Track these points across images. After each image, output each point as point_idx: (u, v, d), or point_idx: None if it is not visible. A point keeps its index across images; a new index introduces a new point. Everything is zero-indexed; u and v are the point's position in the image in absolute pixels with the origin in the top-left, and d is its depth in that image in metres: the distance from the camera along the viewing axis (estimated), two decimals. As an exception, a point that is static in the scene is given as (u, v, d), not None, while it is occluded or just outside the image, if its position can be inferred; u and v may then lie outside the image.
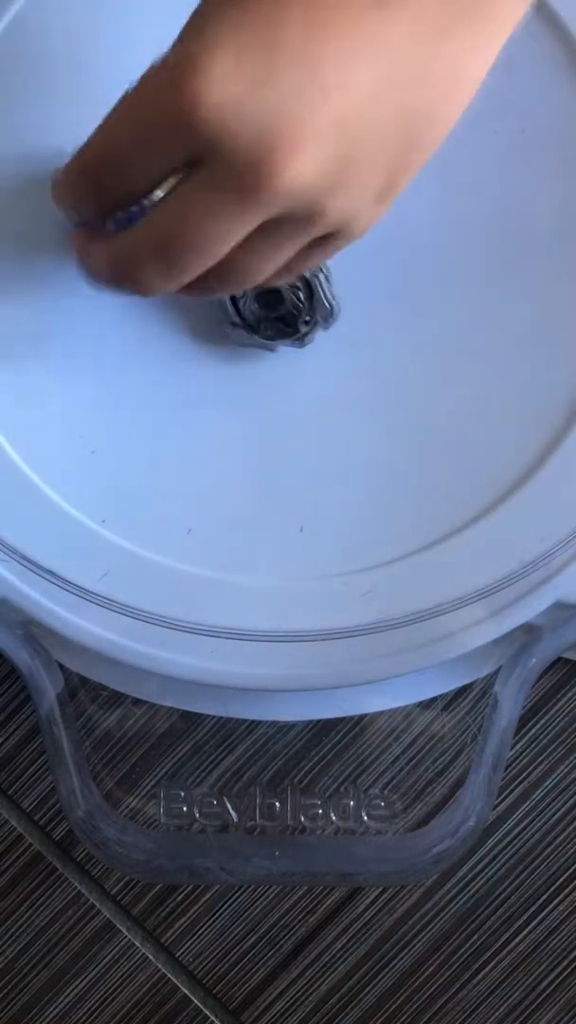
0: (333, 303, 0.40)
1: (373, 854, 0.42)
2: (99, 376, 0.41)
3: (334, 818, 0.43)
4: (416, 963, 0.47)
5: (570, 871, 0.46)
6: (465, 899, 0.46)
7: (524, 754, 0.46)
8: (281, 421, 0.41)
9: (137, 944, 0.47)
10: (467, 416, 0.41)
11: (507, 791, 0.46)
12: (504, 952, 0.47)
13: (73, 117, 0.40)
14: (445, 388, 0.41)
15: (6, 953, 0.47)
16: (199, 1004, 0.47)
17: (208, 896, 0.46)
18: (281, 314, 0.40)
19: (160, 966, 0.47)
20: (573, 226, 0.40)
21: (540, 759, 0.46)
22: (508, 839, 0.46)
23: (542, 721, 0.46)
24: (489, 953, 0.46)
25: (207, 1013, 0.47)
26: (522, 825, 0.46)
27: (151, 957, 0.47)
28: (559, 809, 0.46)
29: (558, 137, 0.40)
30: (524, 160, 0.40)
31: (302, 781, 0.45)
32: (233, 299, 0.40)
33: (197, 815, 0.43)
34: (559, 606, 0.40)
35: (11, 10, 0.41)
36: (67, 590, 0.40)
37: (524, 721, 0.46)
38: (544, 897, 0.46)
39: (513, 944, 0.46)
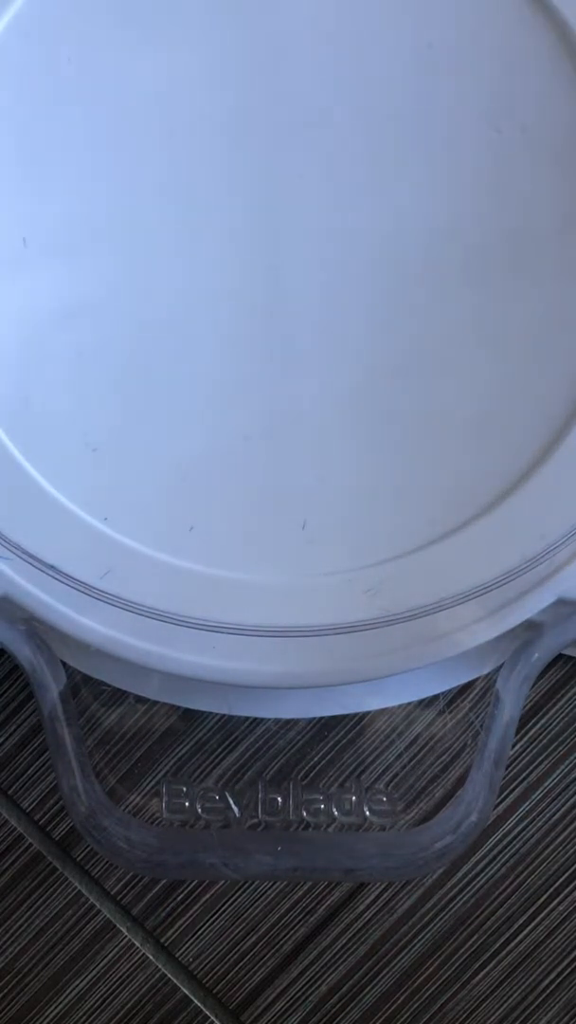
0: None
1: (375, 849, 0.42)
2: (102, 374, 0.41)
3: (336, 813, 0.43)
4: (416, 963, 0.47)
5: (570, 871, 0.46)
6: (465, 899, 0.46)
7: (524, 754, 0.46)
8: (283, 418, 0.41)
9: (137, 944, 0.47)
10: (469, 412, 0.41)
11: (507, 791, 0.46)
12: (504, 952, 0.46)
13: (74, 116, 0.41)
14: (446, 385, 0.41)
15: (6, 953, 0.47)
16: (199, 1004, 0.47)
17: (208, 896, 0.46)
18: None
19: (160, 966, 0.47)
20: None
21: (540, 759, 0.46)
22: (508, 839, 0.46)
23: (542, 721, 0.46)
24: (489, 953, 0.46)
25: (207, 1013, 0.47)
26: (522, 825, 0.46)
27: (151, 957, 0.47)
28: (559, 809, 0.46)
29: (560, 134, 0.40)
30: (526, 158, 0.40)
31: (304, 778, 0.45)
32: None
33: (199, 811, 0.43)
34: (561, 603, 0.40)
35: (11, 10, 0.41)
36: (70, 587, 0.40)
37: (524, 721, 0.46)
38: (544, 897, 0.46)
39: (513, 944, 0.46)
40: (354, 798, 0.44)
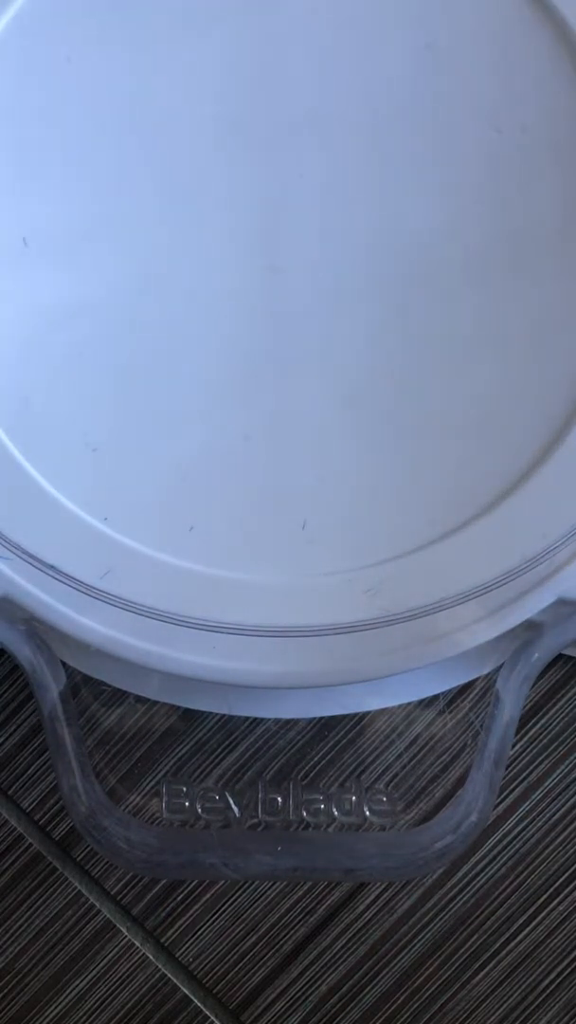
0: None
1: (375, 849, 0.42)
2: (102, 374, 0.41)
3: (336, 813, 0.43)
4: (416, 963, 0.47)
5: (570, 871, 0.46)
6: (465, 899, 0.46)
7: (524, 754, 0.46)
8: (283, 418, 0.41)
9: (137, 944, 0.47)
10: (470, 412, 0.41)
11: (507, 791, 0.46)
12: (504, 952, 0.47)
13: (75, 116, 0.41)
14: (447, 385, 0.41)
15: (6, 953, 0.47)
16: (199, 1004, 0.47)
17: (208, 896, 0.46)
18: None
19: (160, 966, 0.47)
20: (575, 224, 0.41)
21: (540, 759, 0.46)
22: (508, 839, 0.46)
23: (542, 721, 0.46)
24: (489, 953, 0.46)
25: (207, 1013, 0.47)
26: (522, 825, 0.46)
27: (151, 957, 0.47)
28: (559, 809, 0.46)
29: (560, 134, 0.40)
30: (526, 158, 0.40)
31: (304, 778, 0.45)
32: None
33: (199, 811, 0.43)
34: (561, 603, 0.40)
35: (11, 10, 0.41)
36: (70, 587, 0.40)
37: (524, 721, 0.46)
38: (544, 897, 0.46)
39: (513, 944, 0.46)
40: (354, 798, 0.44)
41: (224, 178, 0.41)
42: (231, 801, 0.43)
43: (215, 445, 0.41)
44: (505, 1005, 0.47)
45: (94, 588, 0.40)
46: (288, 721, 0.45)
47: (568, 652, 0.45)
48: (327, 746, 0.46)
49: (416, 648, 0.40)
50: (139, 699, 0.44)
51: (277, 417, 0.41)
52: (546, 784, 0.46)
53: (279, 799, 0.44)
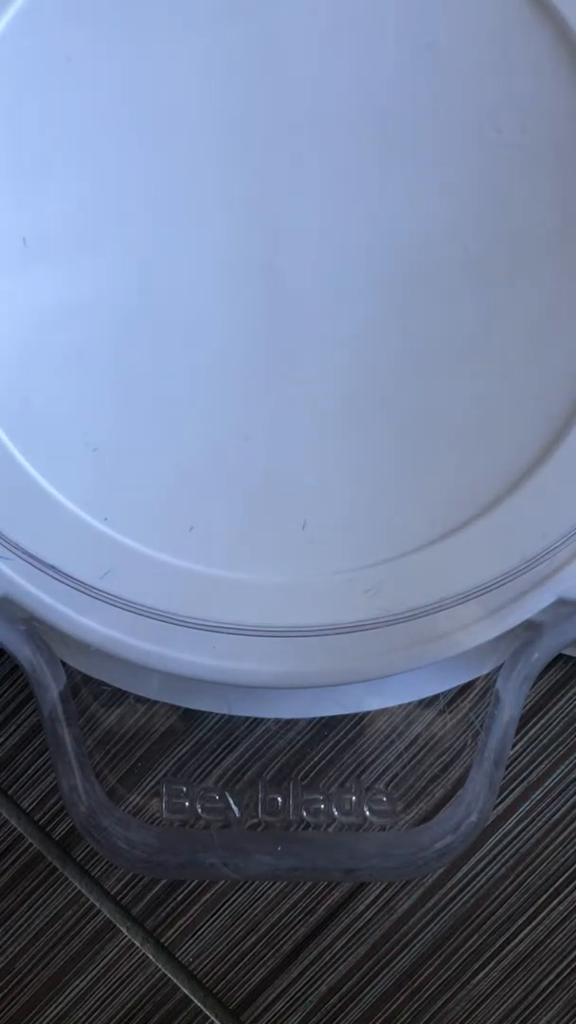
0: None
1: (375, 849, 0.42)
2: (102, 374, 0.41)
3: (336, 813, 0.43)
4: (416, 963, 0.47)
5: (570, 871, 0.46)
6: (465, 899, 0.46)
7: (524, 754, 0.46)
8: (283, 418, 0.41)
9: (137, 944, 0.47)
10: (470, 412, 0.41)
11: (507, 791, 0.46)
12: (504, 952, 0.46)
13: (74, 116, 0.41)
14: (447, 385, 0.41)
15: (6, 953, 0.47)
16: (199, 1004, 0.47)
17: (208, 896, 0.46)
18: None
19: (160, 966, 0.47)
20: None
21: (540, 759, 0.46)
22: (508, 839, 0.46)
23: (542, 721, 0.46)
24: (489, 953, 0.46)
25: (207, 1013, 0.47)
26: (522, 825, 0.46)
27: (151, 957, 0.47)
28: (559, 809, 0.46)
29: (560, 134, 0.40)
30: (526, 158, 0.40)
31: (304, 778, 0.45)
32: None
33: (199, 811, 0.43)
34: (561, 603, 0.40)
35: (11, 9, 0.41)
36: (70, 587, 0.40)
37: (524, 721, 0.46)
38: (544, 897, 0.46)
39: (513, 944, 0.46)
40: (354, 798, 0.44)
41: (224, 178, 0.41)
42: (231, 801, 0.43)
43: (215, 445, 0.41)
44: (505, 1005, 0.47)
45: (94, 588, 0.40)
46: (288, 721, 0.45)
47: (568, 652, 0.45)
48: (327, 746, 0.46)
49: (416, 648, 0.40)
50: (139, 699, 0.44)
51: (277, 417, 0.41)
52: (546, 784, 0.46)
53: (279, 799, 0.44)
